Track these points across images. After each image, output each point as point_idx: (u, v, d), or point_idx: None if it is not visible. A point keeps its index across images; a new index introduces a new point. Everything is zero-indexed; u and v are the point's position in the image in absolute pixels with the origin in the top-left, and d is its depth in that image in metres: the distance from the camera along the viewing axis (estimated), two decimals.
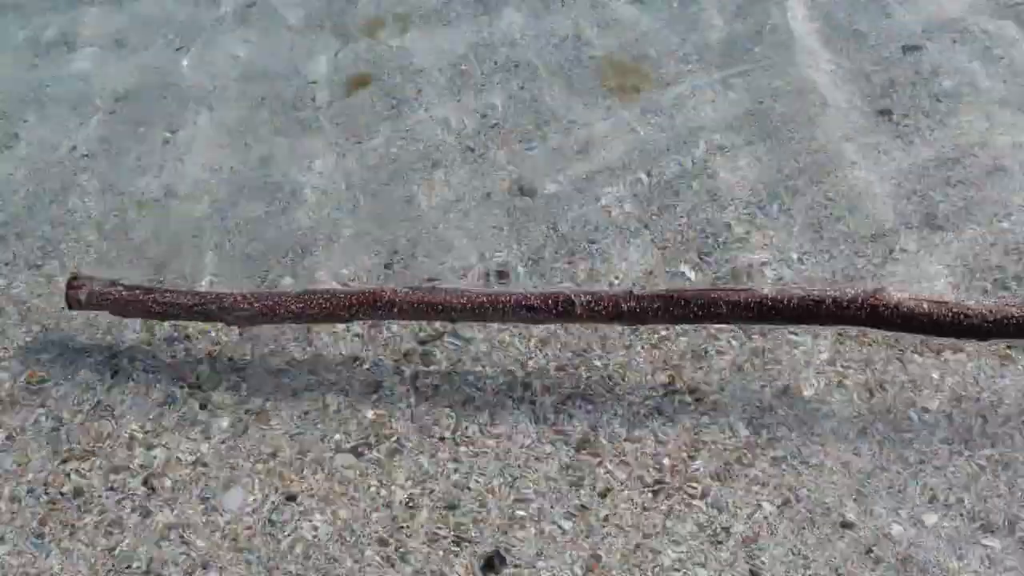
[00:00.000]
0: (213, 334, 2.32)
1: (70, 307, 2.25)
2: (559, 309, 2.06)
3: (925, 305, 1.99)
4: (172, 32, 3.36)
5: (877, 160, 2.62)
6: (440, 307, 2.11)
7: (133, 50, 3.31)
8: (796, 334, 2.21)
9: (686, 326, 2.21)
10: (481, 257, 2.49)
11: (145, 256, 2.58)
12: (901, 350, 2.17)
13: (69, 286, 2.23)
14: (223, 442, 2.11)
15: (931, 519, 1.89)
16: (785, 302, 2.02)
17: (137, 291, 2.19)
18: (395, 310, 2.13)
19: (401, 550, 1.91)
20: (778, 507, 1.93)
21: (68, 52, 3.31)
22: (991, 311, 1.97)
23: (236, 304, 2.15)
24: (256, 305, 2.15)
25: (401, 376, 2.21)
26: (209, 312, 2.17)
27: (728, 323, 2.10)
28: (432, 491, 2.00)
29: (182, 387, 2.22)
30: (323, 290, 2.18)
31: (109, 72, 3.21)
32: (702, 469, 2.00)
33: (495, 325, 2.25)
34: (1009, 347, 2.14)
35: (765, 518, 1.91)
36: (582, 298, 2.06)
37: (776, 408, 2.09)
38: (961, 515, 1.89)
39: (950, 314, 1.98)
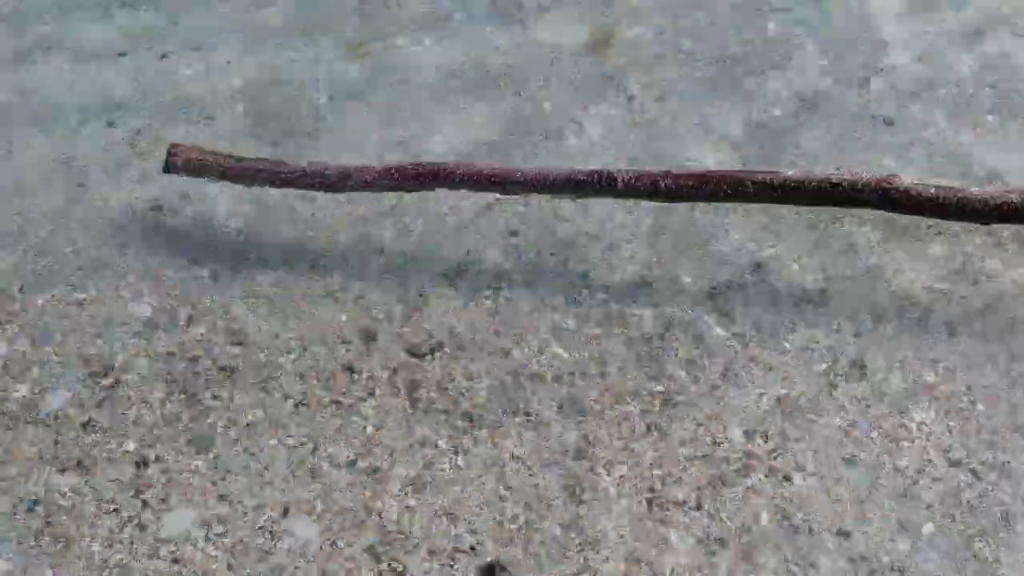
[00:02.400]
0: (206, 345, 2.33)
1: (168, 171, 2.53)
2: (603, 184, 2.32)
3: (932, 190, 2.21)
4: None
5: None
6: (496, 179, 2.37)
7: None
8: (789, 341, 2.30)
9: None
10: None
11: None
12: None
13: (169, 152, 2.52)
14: (216, 455, 2.13)
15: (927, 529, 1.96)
16: (806, 184, 2.25)
17: (230, 158, 2.48)
18: (456, 182, 2.39)
19: (396, 564, 1.93)
20: (775, 518, 1.97)
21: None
22: (992, 197, 2.19)
23: (315, 172, 2.43)
24: (332, 173, 2.43)
25: (394, 387, 2.23)
26: (290, 179, 2.45)
27: (754, 202, 2.33)
28: (428, 502, 2.03)
29: (172, 394, 2.24)
30: (393, 164, 2.45)
31: None
32: (698, 479, 2.03)
33: (492, 330, 2.33)
34: None
35: (762, 529, 1.95)
36: (624, 175, 2.31)
37: (771, 416, 2.14)
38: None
39: (955, 198, 2.20)
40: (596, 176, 2.31)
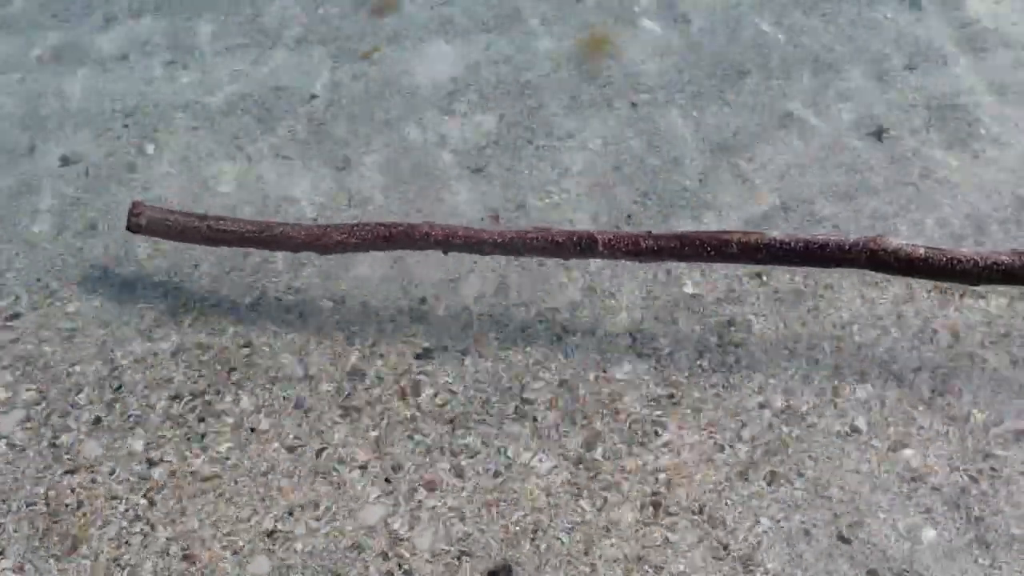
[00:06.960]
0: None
1: (131, 231, 2.43)
2: (582, 246, 2.24)
3: (921, 250, 2.15)
4: None
5: None
6: (472, 241, 2.29)
7: None
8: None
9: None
10: None
11: None
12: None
13: (131, 212, 2.42)
14: (225, 457, 2.16)
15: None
16: (792, 245, 2.18)
17: (193, 218, 2.38)
18: (431, 242, 2.31)
19: (405, 566, 1.95)
20: (776, 522, 1.99)
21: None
22: (982, 258, 2.13)
23: (285, 234, 2.34)
24: (303, 235, 2.34)
25: (401, 390, 2.26)
26: (260, 239, 2.36)
27: (738, 263, 2.26)
28: (434, 506, 2.05)
29: (179, 399, 2.27)
30: (365, 223, 2.36)
31: None
32: (701, 484, 2.05)
33: (495, 338, 2.35)
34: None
35: (764, 532, 1.96)
36: (604, 236, 2.24)
37: (774, 425, 2.15)
38: None
39: (944, 259, 2.13)
40: (576, 238, 2.23)
